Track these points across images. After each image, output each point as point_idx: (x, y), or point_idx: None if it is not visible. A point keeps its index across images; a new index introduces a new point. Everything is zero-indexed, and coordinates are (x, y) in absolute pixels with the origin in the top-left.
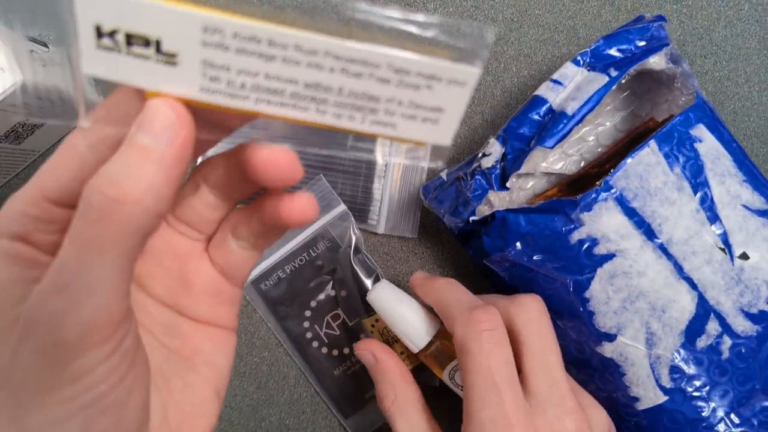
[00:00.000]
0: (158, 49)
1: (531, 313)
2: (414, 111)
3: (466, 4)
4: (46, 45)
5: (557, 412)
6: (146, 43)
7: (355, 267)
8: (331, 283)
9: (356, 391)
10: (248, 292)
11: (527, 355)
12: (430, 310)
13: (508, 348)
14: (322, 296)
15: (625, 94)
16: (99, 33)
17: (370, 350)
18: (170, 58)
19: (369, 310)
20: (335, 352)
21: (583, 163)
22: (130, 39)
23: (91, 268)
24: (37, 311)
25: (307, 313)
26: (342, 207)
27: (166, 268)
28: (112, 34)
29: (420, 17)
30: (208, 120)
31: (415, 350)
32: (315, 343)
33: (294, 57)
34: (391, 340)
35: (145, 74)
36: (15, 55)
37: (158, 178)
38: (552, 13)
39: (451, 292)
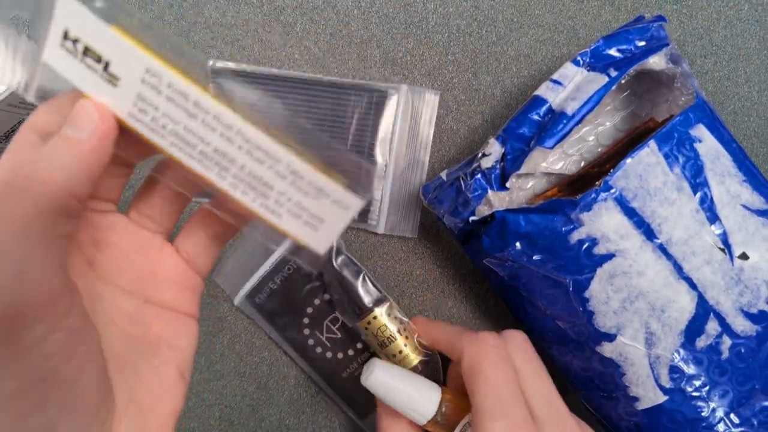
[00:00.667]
0: (105, 68)
1: (518, 341)
2: (299, 211)
3: (465, 5)
4: None
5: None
6: (98, 59)
7: (340, 270)
8: (323, 287)
9: (366, 392)
10: (245, 307)
11: (523, 379)
12: (428, 374)
13: (513, 367)
14: (317, 302)
15: (625, 94)
16: (65, 35)
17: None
18: (113, 79)
19: (360, 313)
20: (340, 355)
21: (583, 163)
22: (86, 51)
23: (16, 244)
24: None
25: (305, 321)
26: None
27: (130, 260)
28: (75, 41)
29: (337, 146)
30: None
31: (423, 422)
32: (318, 349)
33: (212, 124)
34: (386, 341)
35: (88, 82)
36: (15, 55)
37: (73, 162)
38: (552, 14)
39: (454, 326)
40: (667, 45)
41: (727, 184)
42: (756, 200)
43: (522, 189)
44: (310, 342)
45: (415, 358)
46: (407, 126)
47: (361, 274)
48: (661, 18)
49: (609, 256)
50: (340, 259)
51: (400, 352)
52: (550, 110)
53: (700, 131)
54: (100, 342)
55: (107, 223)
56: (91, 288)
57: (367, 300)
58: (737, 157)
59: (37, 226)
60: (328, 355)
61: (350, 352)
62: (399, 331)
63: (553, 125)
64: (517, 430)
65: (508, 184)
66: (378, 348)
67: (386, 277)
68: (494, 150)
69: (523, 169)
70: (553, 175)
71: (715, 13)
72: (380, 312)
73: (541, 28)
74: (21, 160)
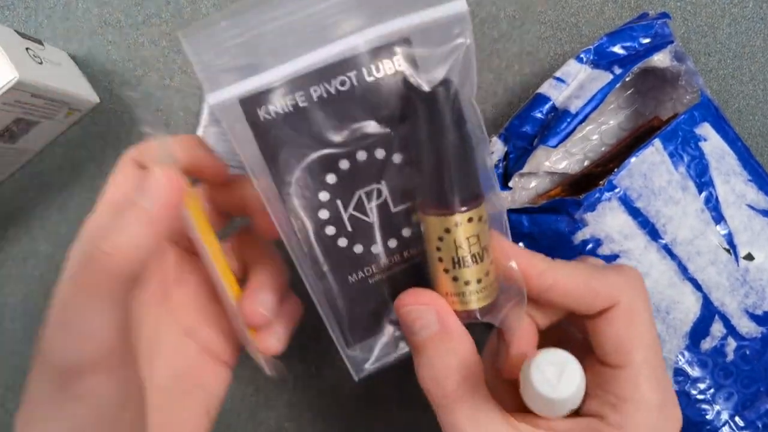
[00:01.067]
0: None
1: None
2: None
3: (467, 1)
4: (41, 42)
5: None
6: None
7: (446, 125)
8: (389, 136)
9: (373, 309)
10: (230, 117)
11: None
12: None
13: None
14: (362, 156)
15: (629, 92)
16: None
17: (434, 306)
18: None
19: (446, 206)
20: (358, 249)
21: (586, 162)
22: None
23: (85, 307)
24: (47, 344)
25: (331, 179)
26: (461, 4)
27: (197, 304)
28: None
29: None
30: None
31: (566, 413)
32: (331, 229)
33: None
34: (468, 260)
35: None
36: (10, 53)
37: (142, 233)
38: (555, 10)
39: (574, 263)
40: (672, 42)
41: (732, 183)
42: (761, 200)
43: (524, 188)
44: (323, 214)
45: (491, 294)
46: None
47: (483, 148)
48: (665, 15)
49: (613, 257)
50: (455, 115)
51: (479, 281)
52: (554, 108)
53: (705, 130)
54: (144, 394)
55: (193, 264)
56: (160, 317)
57: (465, 193)
58: (742, 156)
59: (104, 292)
60: (342, 243)
61: (374, 250)
62: (487, 249)
63: (556, 123)
64: (672, 407)
65: (510, 184)
66: (448, 265)
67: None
68: (497, 148)
69: (526, 168)
70: (557, 175)
71: (719, 10)
72: (478, 215)
73: (543, 25)
74: (94, 229)
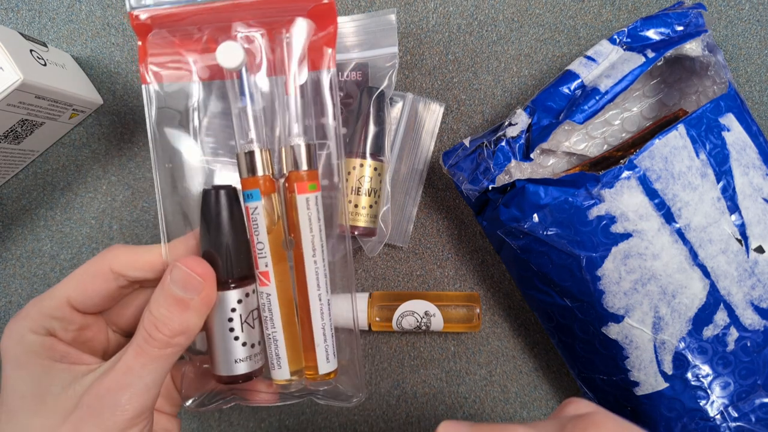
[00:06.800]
0: None
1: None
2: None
3: (466, 4)
4: (45, 44)
5: None
6: None
7: (371, 108)
8: (342, 112)
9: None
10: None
11: None
12: None
13: None
14: (322, 120)
15: (656, 81)
16: None
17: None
18: None
19: (354, 149)
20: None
21: (606, 147)
22: None
23: (147, 375)
24: (104, 399)
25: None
26: (394, 49)
27: None
28: None
29: None
30: None
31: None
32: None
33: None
34: (359, 190)
35: None
36: (14, 55)
37: (194, 321)
38: (552, 13)
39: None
40: (705, 32)
41: (750, 175)
42: None
43: (542, 166)
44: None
45: (372, 223)
46: (410, 135)
47: (383, 125)
48: (700, 5)
49: (626, 236)
50: (378, 100)
51: (369, 207)
52: (582, 86)
53: (729, 120)
54: None
55: None
56: None
57: (370, 149)
58: (763, 151)
59: (162, 365)
60: None
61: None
62: (378, 194)
63: (584, 101)
64: None
65: (531, 155)
66: (348, 192)
67: (386, 276)
68: (521, 120)
69: (548, 143)
70: (574, 156)
71: (716, 12)
72: (374, 166)
73: (541, 28)
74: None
